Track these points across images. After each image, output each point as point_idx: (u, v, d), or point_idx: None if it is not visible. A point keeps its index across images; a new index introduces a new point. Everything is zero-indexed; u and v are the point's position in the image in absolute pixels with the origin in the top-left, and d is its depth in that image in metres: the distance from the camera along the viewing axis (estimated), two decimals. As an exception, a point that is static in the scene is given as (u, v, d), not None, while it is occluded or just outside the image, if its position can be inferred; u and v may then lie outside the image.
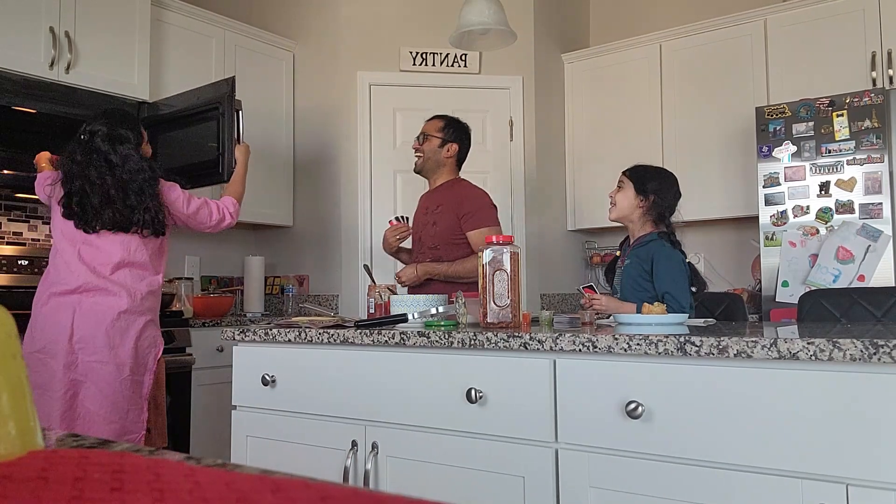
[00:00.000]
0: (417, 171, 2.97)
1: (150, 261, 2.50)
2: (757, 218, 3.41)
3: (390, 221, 2.92)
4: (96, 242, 2.42)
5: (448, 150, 2.91)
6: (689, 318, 2.19)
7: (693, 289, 2.38)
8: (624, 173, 2.48)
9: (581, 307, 2.50)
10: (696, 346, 1.35)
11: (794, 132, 3.28)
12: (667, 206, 2.41)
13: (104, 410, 2.34)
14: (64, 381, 2.30)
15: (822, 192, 3.21)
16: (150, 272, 2.50)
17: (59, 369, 2.30)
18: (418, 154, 2.93)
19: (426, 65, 4.03)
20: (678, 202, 2.46)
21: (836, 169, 3.18)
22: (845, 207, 3.15)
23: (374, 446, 1.76)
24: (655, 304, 1.91)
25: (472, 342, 1.63)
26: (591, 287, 2.48)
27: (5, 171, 2.93)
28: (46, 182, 2.51)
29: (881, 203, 3.08)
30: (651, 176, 2.43)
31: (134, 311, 2.42)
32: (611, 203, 2.49)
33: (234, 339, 2.06)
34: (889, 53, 3.36)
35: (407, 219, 2.93)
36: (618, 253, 2.57)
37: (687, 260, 2.39)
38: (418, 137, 2.93)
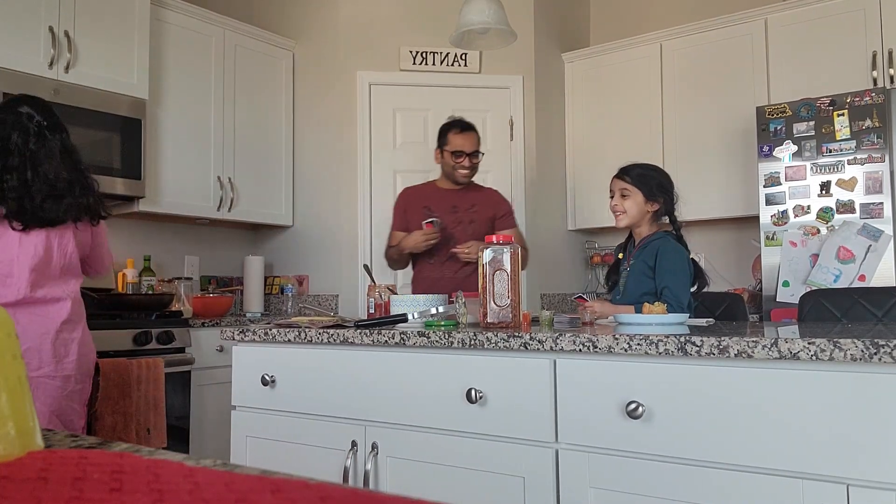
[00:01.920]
0: (466, 182, 3.08)
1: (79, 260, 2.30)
2: (757, 218, 3.41)
3: (426, 224, 2.93)
4: (31, 241, 2.16)
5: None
6: (690, 317, 2.19)
7: (694, 287, 2.37)
8: (623, 179, 2.38)
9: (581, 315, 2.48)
10: (697, 346, 1.35)
11: (794, 132, 3.28)
12: (672, 205, 2.39)
13: (45, 421, 2.15)
14: None
15: (823, 192, 3.21)
16: (79, 272, 2.31)
17: None
18: (473, 171, 3.06)
19: (426, 64, 4.03)
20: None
21: (837, 168, 3.18)
22: (846, 207, 3.15)
23: (374, 446, 1.76)
24: (656, 303, 1.90)
25: (472, 342, 1.63)
26: (581, 297, 2.48)
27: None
28: None
29: (882, 203, 3.07)
30: (652, 177, 2.39)
31: (74, 318, 2.25)
32: (617, 213, 2.38)
33: (233, 339, 2.06)
34: (890, 53, 3.35)
35: (440, 223, 2.96)
36: (620, 256, 2.53)
37: (690, 256, 2.37)
38: (470, 155, 3.02)
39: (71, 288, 2.25)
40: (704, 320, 1.95)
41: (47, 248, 2.17)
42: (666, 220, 2.42)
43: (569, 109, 4.40)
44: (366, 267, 2.93)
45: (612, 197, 2.40)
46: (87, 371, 2.30)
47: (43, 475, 0.44)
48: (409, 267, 3.17)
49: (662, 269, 2.26)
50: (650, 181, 2.36)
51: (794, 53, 3.61)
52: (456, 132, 3.03)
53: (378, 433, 1.76)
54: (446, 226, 3.00)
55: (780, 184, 3.31)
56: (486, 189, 3.19)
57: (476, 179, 3.16)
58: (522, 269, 3.02)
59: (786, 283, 3.26)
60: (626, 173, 2.39)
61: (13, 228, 2.12)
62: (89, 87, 3.20)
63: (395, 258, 3.10)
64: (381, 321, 1.93)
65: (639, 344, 1.41)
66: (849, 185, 3.15)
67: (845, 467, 1.21)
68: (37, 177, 2.13)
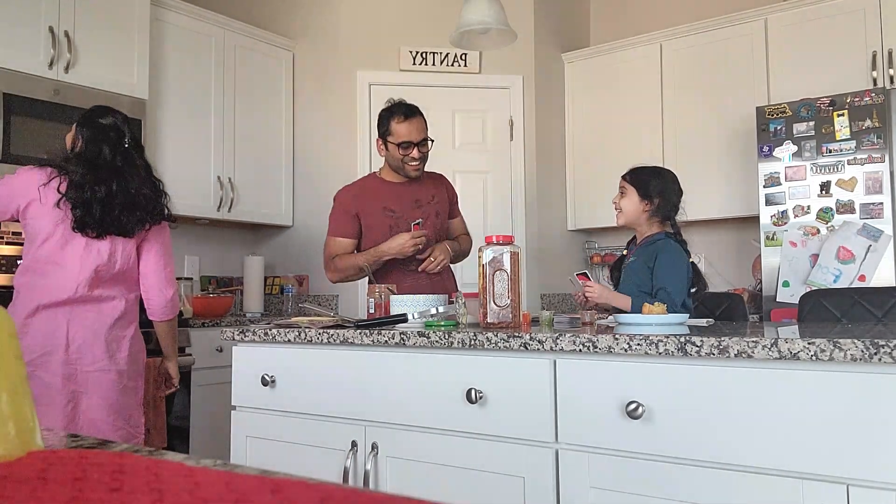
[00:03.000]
0: (418, 175, 2.73)
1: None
2: (757, 218, 3.41)
3: (415, 226, 2.60)
4: (97, 246, 2.27)
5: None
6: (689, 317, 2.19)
7: (693, 289, 2.38)
8: (624, 178, 2.46)
9: (574, 298, 2.49)
10: (697, 346, 1.35)
11: (794, 132, 3.28)
12: (671, 206, 2.41)
13: (111, 418, 2.27)
14: (64, 393, 2.20)
15: (823, 192, 3.21)
16: (136, 279, 2.42)
17: (56, 381, 2.20)
18: (423, 161, 2.70)
19: (426, 64, 4.03)
20: (681, 199, 2.46)
21: (837, 169, 3.18)
22: (846, 207, 3.15)
23: (374, 447, 1.76)
24: (656, 304, 1.90)
25: (472, 342, 1.63)
26: (584, 274, 2.46)
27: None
28: (41, 182, 2.21)
29: (882, 203, 3.07)
30: (652, 177, 2.43)
31: (128, 317, 2.37)
32: (616, 209, 2.48)
33: (233, 339, 2.06)
34: (890, 53, 3.35)
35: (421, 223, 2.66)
36: (625, 252, 2.57)
37: (690, 259, 2.39)
38: (419, 145, 2.65)
39: (126, 290, 2.36)
40: (705, 320, 1.95)
41: (111, 253, 2.29)
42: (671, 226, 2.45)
43: (569, 109, 4.40)
44: (364, 268, 2.64)
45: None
46: (139, 369, 2.41)
47: (43, 475, 0.44)
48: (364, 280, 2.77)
49: (660, 269, 2.30)
50: (646, 182, 2.41)
51: (794, 53, 3.61)
52: (399, 120, 2.64)
53: (378, 433, 1.76)
54: (415, 221, 2.65)
55: (780, 184, 3.31)
56: (434, 175, 2.84)
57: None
58: (464, 259, 2.90)
59: (786, 284, 3.26)
60: (628, 172, 2.47)
61: (86, 235, 2.24)
62: (89, 87, 3.20)
63: (362, 268, 2.59)
64: (381, 321, 1.93)
65: (639, 344, 1.41)
66: (849, 185, 3.15)
67: (845, 467, 1.21)
68: (120, 191, 2.25)
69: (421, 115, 2.71)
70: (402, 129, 2.64)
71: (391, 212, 2.67)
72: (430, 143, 2.70)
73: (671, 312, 2.16)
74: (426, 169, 2.78)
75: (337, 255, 2.69)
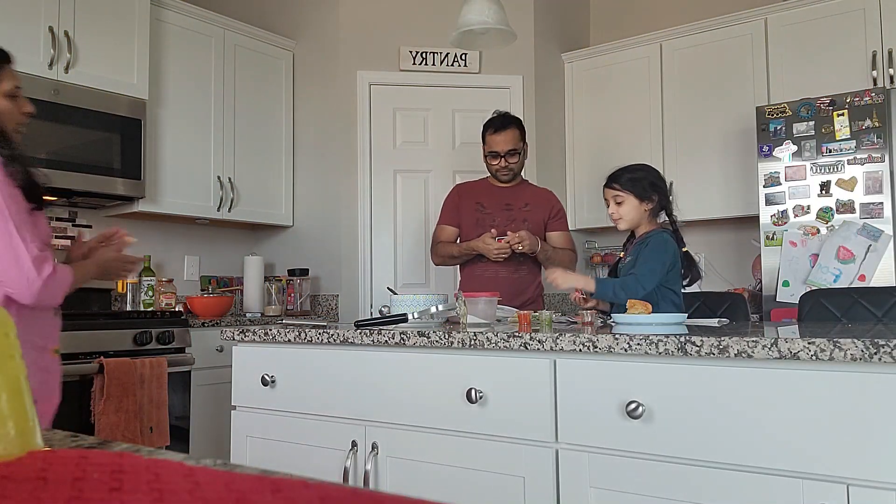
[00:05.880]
0: (507, 181, 3.01)
1: None
2: (757, 217, 3.41)
3: (499, 239, 2.80)
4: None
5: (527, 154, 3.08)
6: (688, 317, 2.19)
7: (686, 280, 2.36)
8: (612, 187, 2.38)
9: (572, 299, 2.49)
10: (697, 346, 1.35)
11: (794, 132, 3.28)
12: (667, 199, 2.40)
13: None
14: None
15: (823, 192, 3.21)
16: None
17: None
18: (509, 171, 2.97)
19: (426, 64, 4.03)
20: (669, 187, 2.44)
21: (837, 168, 3.18)
22: (846, 207, 3.15)
23: (374, 446, 1.76)
24: (638, 301, 1.90)
25: (472, 342, 1.63)
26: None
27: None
28: None
29: (882, 203, 3.07)
30: (642, 177, 2.41)
31: None
32: (615, 220, 2.40)
33: (233, 339, 2.06)
34: (890, 53, 3.35)
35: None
36: (621, 254, 2.56)
37: (684, 249, 2.37)
38: (505, 156, 2.92)
39: None
40: (717, 320, 1.94)
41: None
42: (665, 216, 2.44)
43: (569, 109, 4.40)
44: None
45: (607, 206, 2.42)
46: None
47: (43, 475, 0.44)
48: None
49: (641, 256, 2.28)
50: (640, 182, 2.36)
51: (794, 53, 3.61)
52: (490, 133, 2.96)
53: (378, 433, 1.76)
54: (501, 223, 2.93)
55: (780, 184, 3.31)
56: (540, 189, 3.13)
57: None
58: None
59: (786, 283, 3.26)
60: (614, 181, 2.38)
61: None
62: (89, 88, 3.20)
63: (455, 256, 2.97)
64: (381, 321, 1.93)
65: (639, 344, 1.41)
66: (849, 185, 3.15)
67: (845, 467, 1.21)
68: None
69: (515, 126, 2.97)
70: (491, 141, 2.96)
71: (482, 207, 2.99)
72: (519, 154, 2.98)
73: (636, 296, 2.13)
74: (539, 185, 3.18)
75: (441, 242, 3.04)
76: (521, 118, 4.18)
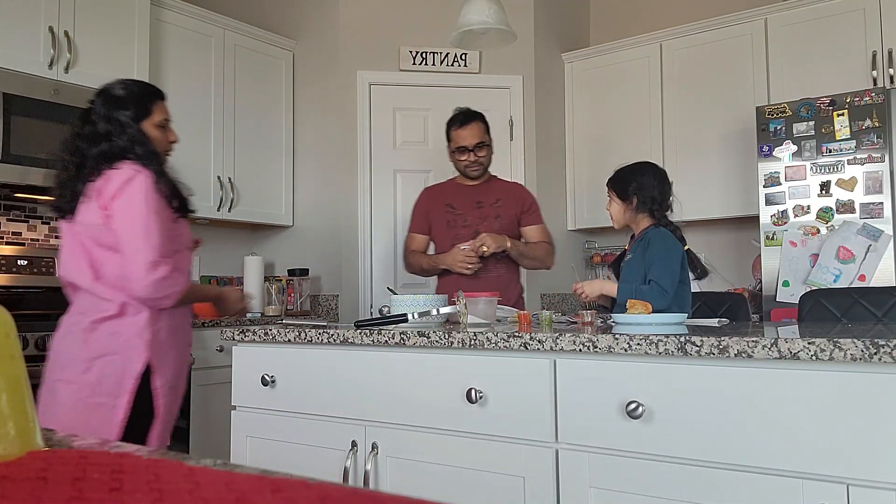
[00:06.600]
0: (477, 177, 2.95)
1: None
2: (757, 217, 3.41)
3: (463, 250, 2.78)
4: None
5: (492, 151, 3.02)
6: (689, 316, 2.19)
7: (696, 273, 2.39)
8: (607, 185, 2.50)
9: (574, 296, 2.52)
10: (697, 346, 1.35)
11: (794, 132, 3.28)
12: (653, 198, 2.41)
13: None
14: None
15: (823, 192, 3.21)
16: None
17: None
18: (479, 165, 2.91)
19: (426, 64, 4.03)
20: (670, 188, 2.45)
21: (837, 168, 3.18)
22: (846, 207, 3.15)
23: (374, 446, 1.76)
24: (638, 301, 1.90)
25: (472, 342, 1.63)
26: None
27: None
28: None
29: (882, 203, 3.07)
30: (627, 177, 2.45)
31: None
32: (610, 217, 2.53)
33: (233, 339, 2.06)
34: (890, 53, 3.35)
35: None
36: (626, 248, 2.59)
37: (686, 247, 2.39)
38: (473, 149, 2.88)
39: None
40: (718, 320, 1.94)
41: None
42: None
43: (569, 109, 4.40)
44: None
45: None
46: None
47: (43, 475, 0.44)
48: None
49: (650, 258, 2.32)
50: (620, 182, 2.46)
51: (794, 53, 3.61)
52: (456, 128, 2.91)
53: (378, 433, 1.76)
54: (473, 221, 2.89)
55: (780, 184, 3.31)
56: (510, 183, 3.09)
57: None
58: (548, 268, 3.08)
59: (786, 283, 3.26)
60: (610, 178, 2.51)
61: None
62: (89, 88, 3.18)
63: (425, 269, 2.95)
64: (381, 321, 1.93)
65: (639, 344, 1.41)
66: (849, 185, 3.15)
67: (845, 467, 1.20)
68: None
69: (479, 119, 2.93)
70: (457, 136, 2.91)
71: (452, 208, 2.93)
72: (487, 146, 2.92)
73: (661, 300, 2.17)
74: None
75: (411, 251, 2.99)
76: (522, 118, 4.17)
